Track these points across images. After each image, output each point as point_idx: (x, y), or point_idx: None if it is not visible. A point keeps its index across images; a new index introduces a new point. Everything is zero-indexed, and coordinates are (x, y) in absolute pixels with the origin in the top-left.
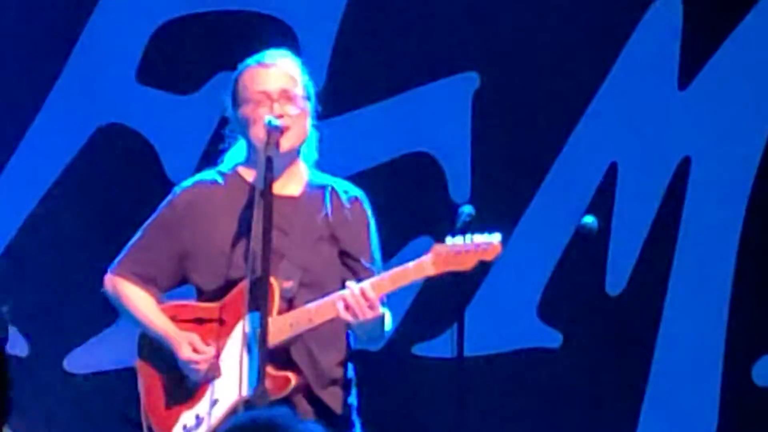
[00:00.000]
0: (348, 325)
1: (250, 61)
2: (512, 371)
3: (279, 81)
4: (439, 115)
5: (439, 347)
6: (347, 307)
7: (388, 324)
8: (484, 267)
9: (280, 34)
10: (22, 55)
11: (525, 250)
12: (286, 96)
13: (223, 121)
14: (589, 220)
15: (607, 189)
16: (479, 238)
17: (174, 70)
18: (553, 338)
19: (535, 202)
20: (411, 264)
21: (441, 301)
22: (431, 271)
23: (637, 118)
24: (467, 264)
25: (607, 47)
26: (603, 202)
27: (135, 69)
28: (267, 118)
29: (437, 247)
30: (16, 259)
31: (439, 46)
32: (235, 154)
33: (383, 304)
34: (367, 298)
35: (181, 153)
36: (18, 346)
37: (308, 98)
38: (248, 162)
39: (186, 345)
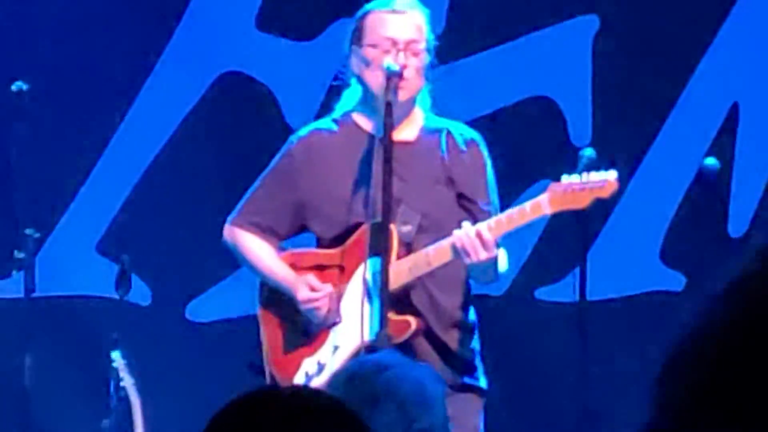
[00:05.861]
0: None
1: (380, 3)
2: (635, 315)
3: (408, 31)
4: (559, 59)
5: (561, 291)
6: (463, 248)
7: (504, 265)
8: (606, 210)
9: None
10: (143, 3)
11: (646, 193)
12: (412, 48)
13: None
14: (710, 161)
15: (729, 130)
16: (595, 176)
17: (293, 17)
18: (676, 281)
19: (657, 144)
20: (528, 203)
21: (563, 245)
22: (548, 210)
23: (759, 58)
24: (583, 202)
25: None
26: (725, 143)
27: (254, 16)
28: (386, 63)
29: (553, 186)
30: (137, 209)
31: None
32: (348, 99)
33: (498, 245)
34: (483, 239)
35: (301, 100)
36: (140, 295)
37: (429, 51)
38: (363, 108)
39: (303, 286)
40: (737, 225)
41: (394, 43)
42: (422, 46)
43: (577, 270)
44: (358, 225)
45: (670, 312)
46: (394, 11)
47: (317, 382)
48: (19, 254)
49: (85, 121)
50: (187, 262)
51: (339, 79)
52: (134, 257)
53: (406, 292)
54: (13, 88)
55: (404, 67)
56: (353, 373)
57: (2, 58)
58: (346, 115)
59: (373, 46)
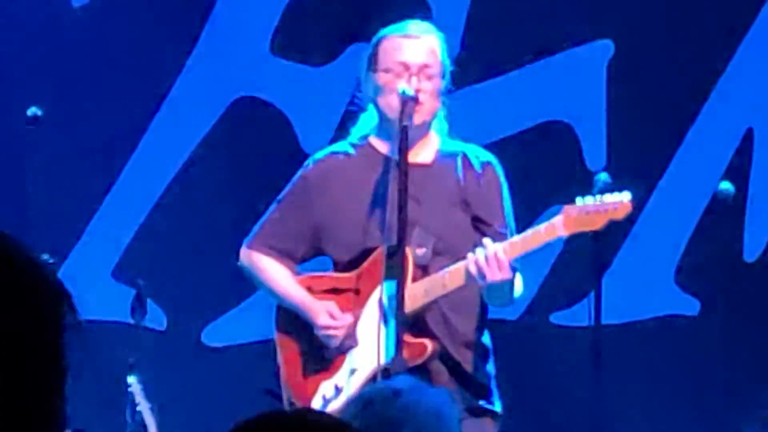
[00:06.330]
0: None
1: (394, 29)
2: (650, 339)
3: (421, 56)
4: (574, 84)
5: (576, 316)
6: (478, 269)
7: (519, 288)
8: (620, 235)
9: (415, 5)
10: (157, 29)
11: (661, 217)
12: (426, 72)
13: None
14: (725, 186)
15: (744, 155)
16: (609, 198)
17: (308, 42)
18: (690, 305)
19: (671, 169)
20: (542, 225)
21: (578, 269)
22: (563, 232)
23: None
24: (598, 224)
25: (742, 11)
26: (739, 168)
27: (269, 41)
28: (401, 87)
29: (568, 208)
30: (153, 234)
31: (573, 14)
32: (364, 123)
33: (514, 269)
34: (498, 260)
35: (316, 125)
36: (156, 320)
37: (443, 76)
38: (379, 132)
39: (323, 313)
40: (752, 249)
41: (407, 67)
42: (436, 70)
43: (592, 294)
44: (373, 248)
45: (685, 336)
46: (407, 36)
47: (334, 406)
48: None
49: (100, 147)
50: (202, 287)
51: (355, 105)
52: (150, 282)
53: (421, 315)
54: (29, 113)
55: (418, 91)
56: (370, 399)
57: (17, 84)
58: (363, 138)
59: (386, 71)
